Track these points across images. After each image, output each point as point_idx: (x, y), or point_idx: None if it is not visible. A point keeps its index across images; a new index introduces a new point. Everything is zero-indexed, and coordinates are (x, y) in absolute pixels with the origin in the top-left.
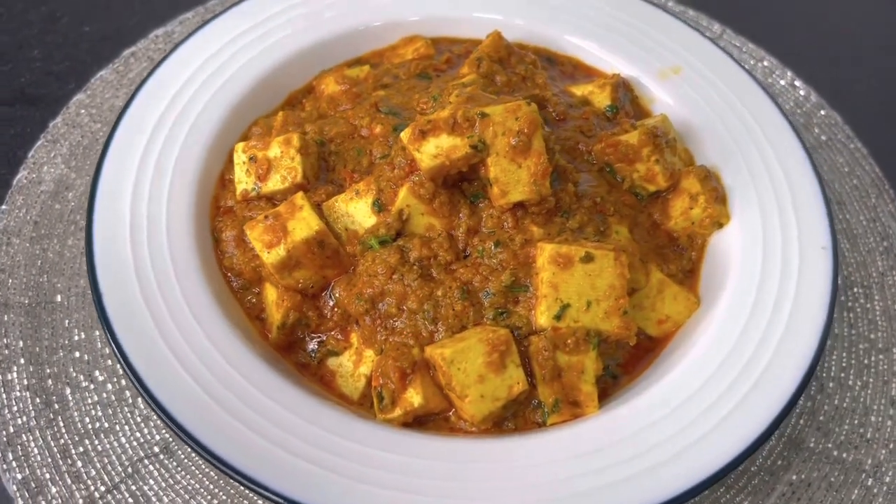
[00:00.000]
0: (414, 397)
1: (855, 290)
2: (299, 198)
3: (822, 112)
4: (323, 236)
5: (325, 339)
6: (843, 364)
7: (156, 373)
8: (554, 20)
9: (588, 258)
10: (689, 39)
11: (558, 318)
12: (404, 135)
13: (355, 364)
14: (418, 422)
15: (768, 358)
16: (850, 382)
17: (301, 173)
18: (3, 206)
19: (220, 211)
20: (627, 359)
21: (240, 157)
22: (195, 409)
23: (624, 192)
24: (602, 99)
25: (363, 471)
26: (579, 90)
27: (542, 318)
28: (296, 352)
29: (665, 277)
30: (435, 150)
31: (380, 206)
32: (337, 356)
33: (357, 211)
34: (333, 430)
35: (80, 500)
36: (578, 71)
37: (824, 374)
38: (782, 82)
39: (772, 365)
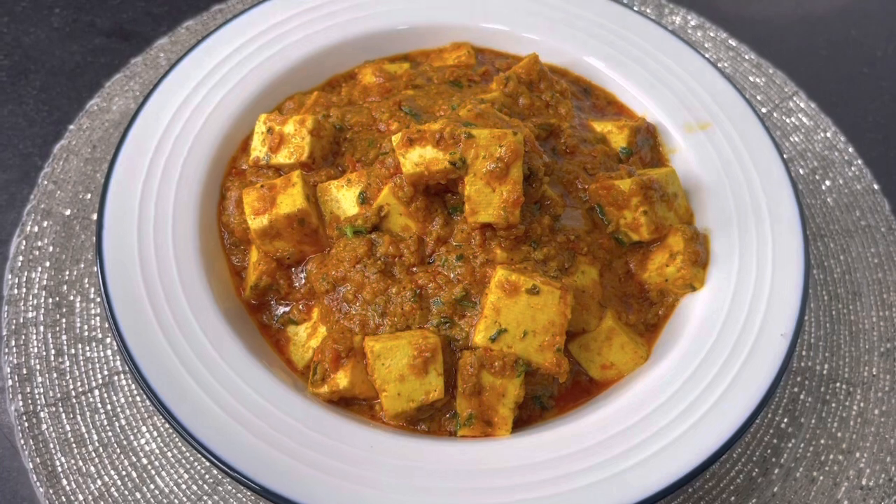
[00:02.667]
0: (342, 380)
1: (838, 384)
2: (295, 175)
3: (872, 197)
4: (304, 215)
5: (290, 307)
6: (798, 454)
7: (122, 291)
8: (602, 54)
9: (534, 291)
10: (729, 99)
11: (493, 340)
12: (395, 138)
13: (309, 336)
14: (344, 402)
15: (684, 429)
16: (798, 474)
17: (307, 153)
18: (71, 126)
19: (233, 171)
20: (564, 394)
21: (260, 127)
22: (144, 336)
23: (606, 235)
24: (619, 140)
25: (272, 435)
26: (600, 127)
27: (479, 336)
28: (262, 312)
29: (616, 326)
30: (418, 158)
31: (364, 199)
32: (296, 325)
33: (344, 198)
34: (261, 391)
35: (59, 394)
36: (611, 107)
37: (773, 459)
38: (839, 156)
39: (685, 436)
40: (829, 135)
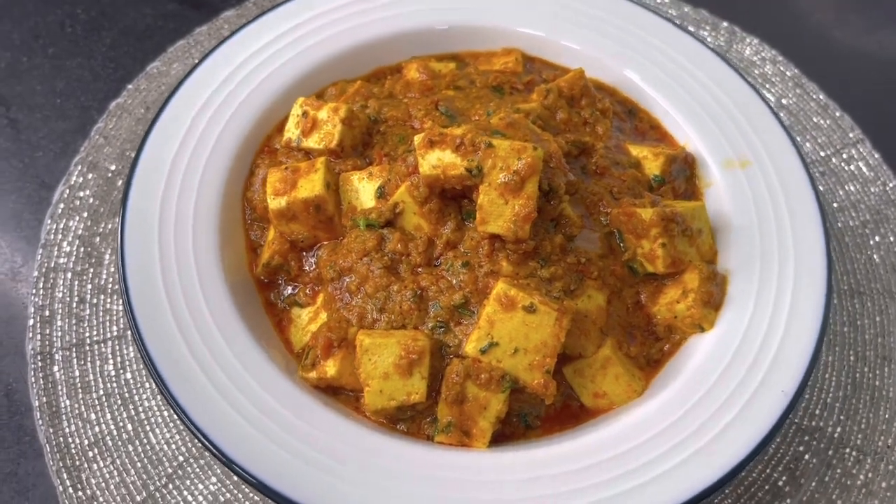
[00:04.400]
0: (330, 368)
1: (848, 450)
2: (319, 162)
3: None
4: (320, 201)
5: (297, 290)
6: None
7: (137, 249)
8: (651, 77)
9: (531, 308)
10: (774, 138)
11: (483, 351)
12: (417, 138)
13: (310, 320)
14: (332, 390)
15: (661, 471)
16: None
17: (337, 140)
18: (129, 86)
19: (265, 149)
20: (552, 416)
21: (296, 109)
22: (148, 296)
23: (620, 262)
24: (653, 167)
25: (251, 411)
26: (636, 151)
27: (470, 346)
28: (271, 290)
29: (614, 356)
30: (436, 160)
31: (381, 193)
32: (300, 308)
33: (364, 190)
34: (248, 366)
35: (74, 340)
36: (653, 132)
37: None
38: (895, 212)
39: (660, 479)
40: (888, 188)
